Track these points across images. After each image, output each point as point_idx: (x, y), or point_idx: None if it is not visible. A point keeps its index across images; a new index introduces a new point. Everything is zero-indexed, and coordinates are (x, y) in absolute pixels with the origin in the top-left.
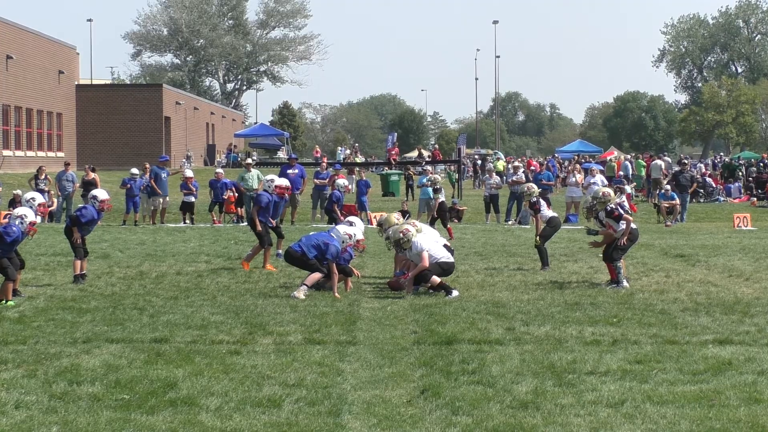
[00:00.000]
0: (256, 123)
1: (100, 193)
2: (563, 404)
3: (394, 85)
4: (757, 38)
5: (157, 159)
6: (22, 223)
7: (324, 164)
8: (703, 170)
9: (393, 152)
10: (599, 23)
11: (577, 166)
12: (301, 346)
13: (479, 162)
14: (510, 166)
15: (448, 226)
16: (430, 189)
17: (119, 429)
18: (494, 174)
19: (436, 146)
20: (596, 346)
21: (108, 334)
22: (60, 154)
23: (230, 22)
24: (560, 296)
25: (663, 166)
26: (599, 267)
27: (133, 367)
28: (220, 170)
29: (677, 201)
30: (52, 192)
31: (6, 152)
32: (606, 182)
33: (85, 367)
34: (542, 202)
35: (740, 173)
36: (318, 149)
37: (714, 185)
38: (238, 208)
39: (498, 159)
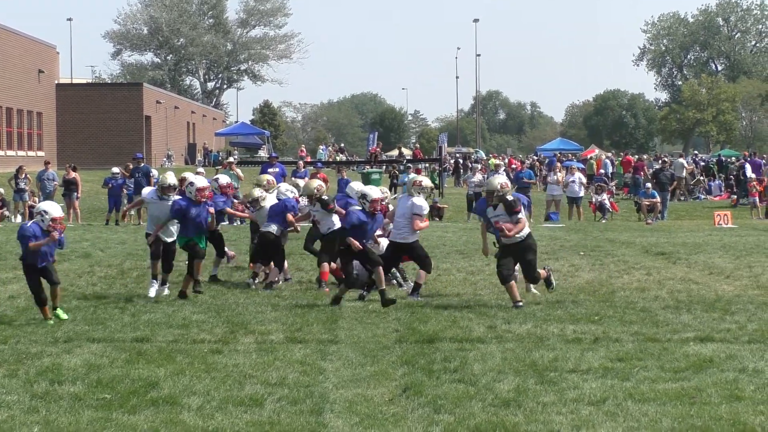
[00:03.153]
0: (236, 122)
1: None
2: (545, 402)
3: (374, 84)
4: (736, 36)
5: (133, 157)
6: (42, 220)
7: (301, 163)
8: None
9: (376, 150)
10: (580, 21)
11: (558, 164)
12: (283, 345)
13: (461, 160)
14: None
15: None
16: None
17: (101, 428)
18: (477, 172)
19: (417, 145)
20: (578, 344)
21: (89, 333)
22: (40, 153)
23: (210, 20)
24: (541, 294)
25: (686, 164)
26: (580, 265)
27: (115, 367)
28: (201, 170)
29: (658, 199)
30: (33, 191)
31: None
32: (585, 180)
33: (66, 366)
34: None
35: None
36: (303, 149)
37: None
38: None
39: (495, 158)
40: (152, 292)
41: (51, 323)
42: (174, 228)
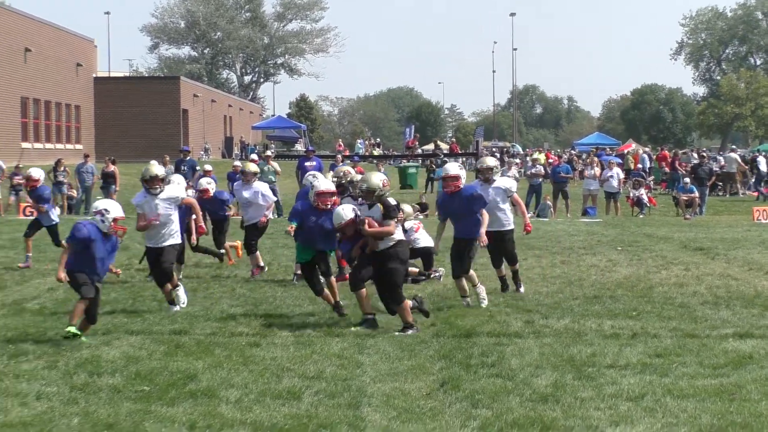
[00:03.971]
0: (273, 115)
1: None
2: (583, 398)
3: (411, 78)
4: None
5: (180, 150)
6: (103, 221)
7: (339, 157)
8: (722, 163)
9: (413, 142)
10: (617, 15)
11: (595, 159)
12: (321, 339)
13: (497, 155)
14: (528, 158)
15: None
16: None
17: (139, 420)
18: (513, 167)
19: (454, 139)
20: (616, 339)
21: (128, 325)
22: (78, 146)
23: (247, 14)
24: (579, 289)
25: (738, 159)
26: (618, 260)
27: (153, 359)
28: (238, 163)
29: (696, 194)
30: (72, 184)
31: (25, 144)
32: (622, 175)
33: (105, 358)
34: None
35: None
36: (341, 143)
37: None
38: None
39: (540, 152)
40: (176, 308)
41: (72, 330)
42: (166, 230)
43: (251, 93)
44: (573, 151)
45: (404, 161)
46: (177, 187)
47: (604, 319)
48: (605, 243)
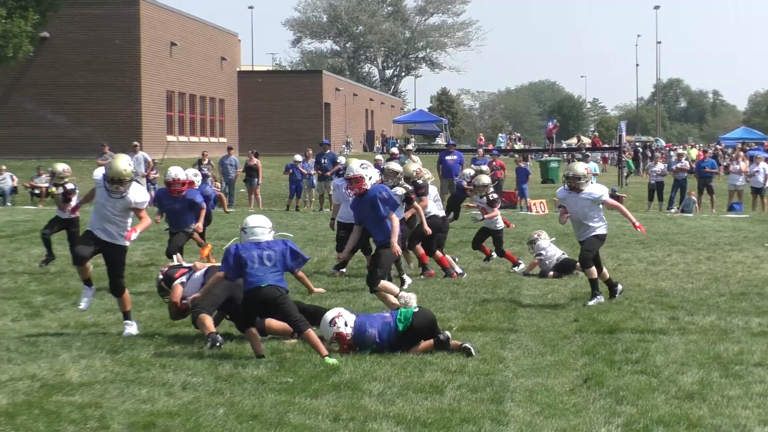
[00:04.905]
0: (414, 109)
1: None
2: (730, 396)
3: (552, 72)
4: None
5: (320, 143)
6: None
7: (481, 151)
8: None
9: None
10: (763, 7)
11: (741, 153)
12: (462, 333)
13: (640, 149)
14: (673, 153)
15: None
16: None
17: (284, 412)
18: (659, 162)
19: (596, 133)
20: (764, 337)
21: None
22: (222, 139)
23: (389, 8)
24: (725, 286)
25: None
26: (765, 257)
27: (296, 351)
28: (379, 156)
29: None
30: (216, 177)
31: (170, 137)
32: None
33: (249, 350)
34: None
35: None
36: (482, 137)
37: None
38: None
39: (692, 147)
40: (84, 303)
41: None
42: (113, 229)
43: (392, 87)
44: (718, 146)
45: (545, 155)
46: (141, 193)
47: (752, 317)
48: (752, 239)
